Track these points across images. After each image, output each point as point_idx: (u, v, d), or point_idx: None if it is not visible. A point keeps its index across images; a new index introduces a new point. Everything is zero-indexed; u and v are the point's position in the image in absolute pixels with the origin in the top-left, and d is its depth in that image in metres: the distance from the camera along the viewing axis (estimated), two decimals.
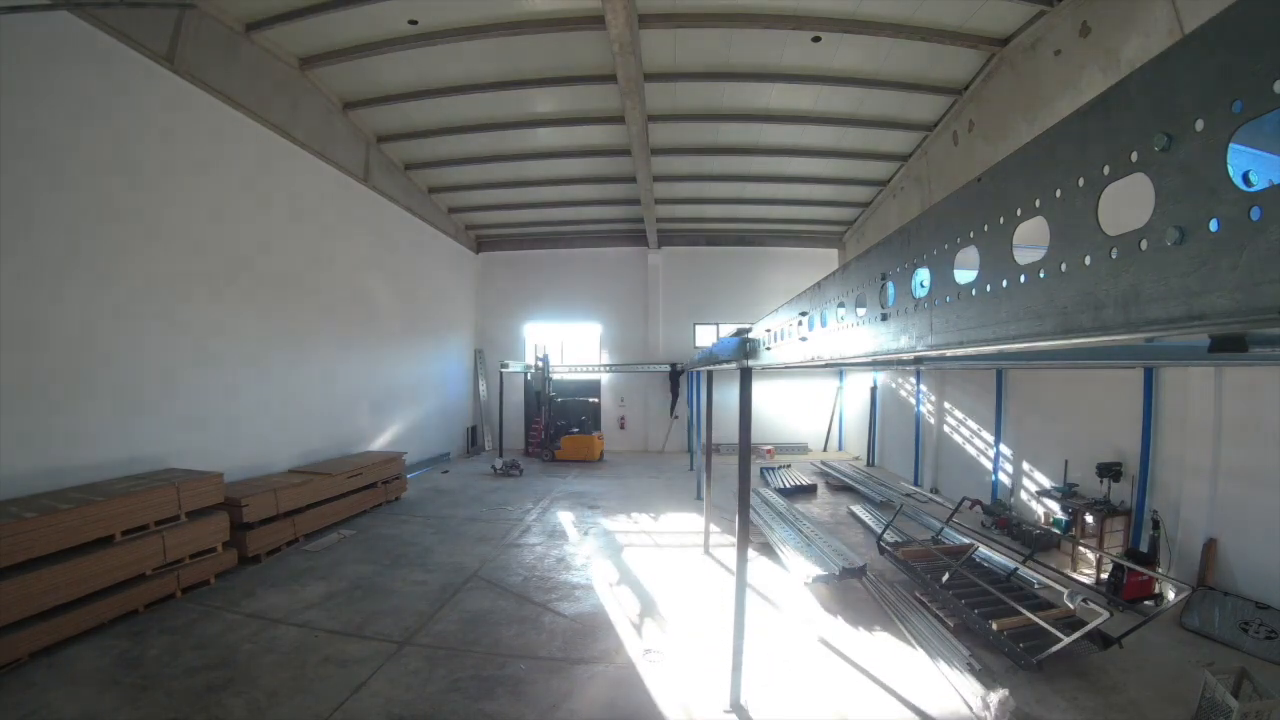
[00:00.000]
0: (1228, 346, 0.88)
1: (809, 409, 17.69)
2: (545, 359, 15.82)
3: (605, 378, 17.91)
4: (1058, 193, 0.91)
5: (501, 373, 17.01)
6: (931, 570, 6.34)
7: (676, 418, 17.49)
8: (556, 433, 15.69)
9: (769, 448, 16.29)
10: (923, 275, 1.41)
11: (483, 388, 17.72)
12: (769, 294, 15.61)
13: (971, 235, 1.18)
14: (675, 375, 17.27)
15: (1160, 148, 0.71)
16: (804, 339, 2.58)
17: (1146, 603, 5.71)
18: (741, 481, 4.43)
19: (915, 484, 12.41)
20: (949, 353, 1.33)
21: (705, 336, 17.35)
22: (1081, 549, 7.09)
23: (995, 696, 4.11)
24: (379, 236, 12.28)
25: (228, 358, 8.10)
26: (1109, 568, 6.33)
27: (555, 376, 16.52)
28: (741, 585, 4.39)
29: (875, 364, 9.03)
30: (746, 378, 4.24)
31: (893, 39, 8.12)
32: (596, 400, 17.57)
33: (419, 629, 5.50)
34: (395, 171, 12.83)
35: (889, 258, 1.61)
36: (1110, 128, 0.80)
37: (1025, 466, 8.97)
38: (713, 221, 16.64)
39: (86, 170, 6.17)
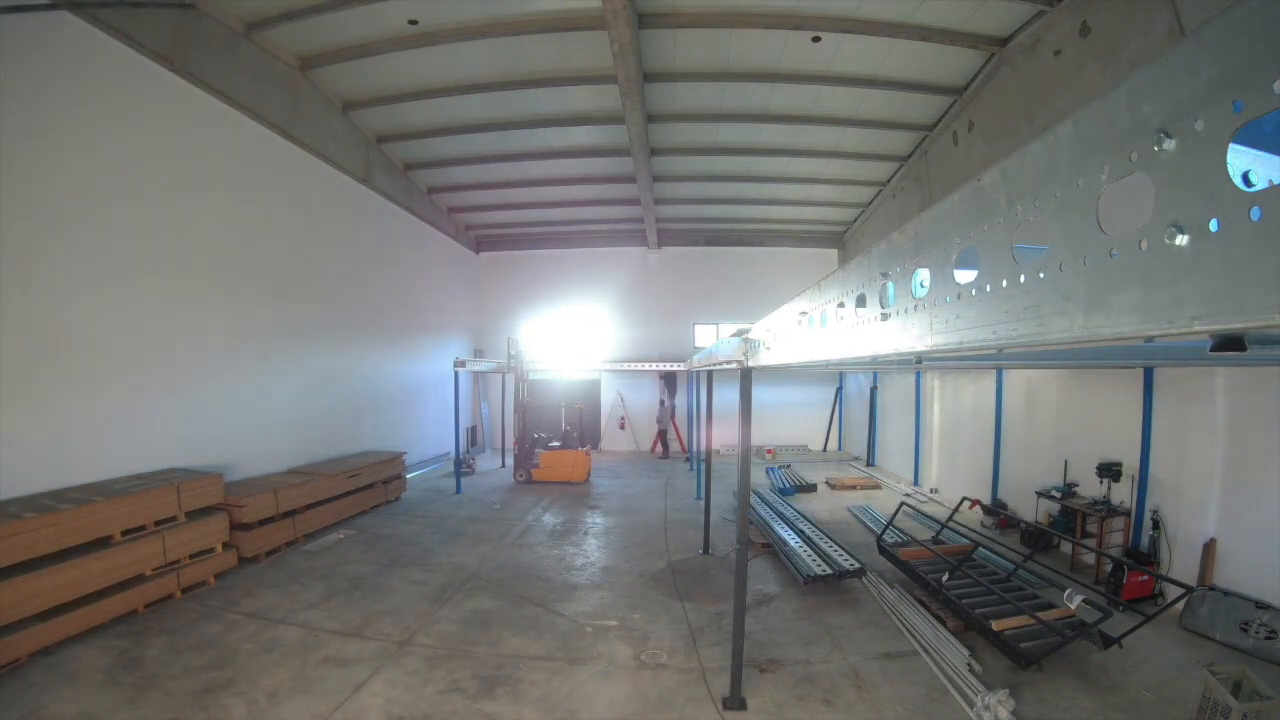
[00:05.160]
0: (1228, 346, 0.88)
1: (809, 409, 17.65)
2: (519, 355, 12.93)
3: (605, 379, 17.87)
4: (1058, 193, 0.91)
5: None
6: (931, 570, 6.34)
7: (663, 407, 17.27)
8: (534, 446, 12.83)
9: (769, 449, 16.28)
10: (923, 275, 1.41)
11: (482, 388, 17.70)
12: (769, 294, 15.53)
13: (971, 235, 1.18)
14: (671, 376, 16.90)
15: (1160, 148, 0.71)
16: (804, 339, 2.58)
17: (1146, 603, 5.72)
18: (741, 481, 4.43)
19: (915, 484, 12.41)
20: (949, 353, 1.33)
21: (705, 336, 17.34)
22: (1081, 549, 7.10)
23: (995, 697, 4.11)
24: (379, 237, 12.27)
25: (227, 357, 8.09)
26: (1109, 567, 6.33)
27: (537, 376, 14.38)
28: (741, 584, 4.39)
29: (875, 364, 9.03)
30: (746, 378, 4.24)
31: (892, 39, 8.11)
32: (580, 407, 13.93)
33: (419, 629, 5.51)
34: (395, 172, 12.82)
35: (889, 258, 1.61)
36: (1110, 128, 0.80)
37: (1025, 466, 8.96)
38: (713, 221, 16.61)
39: (86, 170, 6.16)
